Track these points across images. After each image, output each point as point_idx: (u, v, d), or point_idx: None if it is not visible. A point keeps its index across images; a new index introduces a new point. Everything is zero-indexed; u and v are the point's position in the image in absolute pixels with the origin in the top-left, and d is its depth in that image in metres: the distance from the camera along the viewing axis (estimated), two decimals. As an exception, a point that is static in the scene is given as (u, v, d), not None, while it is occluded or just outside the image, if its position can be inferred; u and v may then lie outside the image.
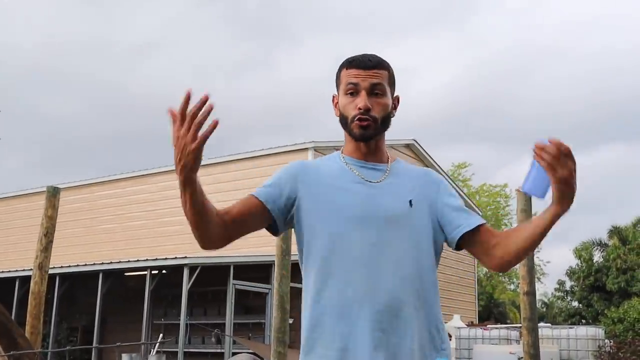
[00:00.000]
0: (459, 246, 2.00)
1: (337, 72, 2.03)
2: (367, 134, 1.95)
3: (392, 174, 2.01)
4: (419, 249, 1.94)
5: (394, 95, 2.04)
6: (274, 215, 1.96)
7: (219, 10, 62.92)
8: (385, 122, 1.98)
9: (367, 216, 1.91)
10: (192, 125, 1.61)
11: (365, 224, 1.91)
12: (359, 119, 1.93)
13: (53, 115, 59.73)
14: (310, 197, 1.95)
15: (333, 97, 2.05)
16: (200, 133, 1.62)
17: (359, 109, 1.93)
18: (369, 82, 1.95)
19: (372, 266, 1.88)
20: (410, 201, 1.97)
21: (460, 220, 1.98)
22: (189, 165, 1.65)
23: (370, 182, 1.97)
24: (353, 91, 1.96)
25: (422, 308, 1.90)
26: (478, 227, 1.97)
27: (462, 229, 1.97)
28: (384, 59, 2.02)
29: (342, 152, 2.06)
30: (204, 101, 1.60)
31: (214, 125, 1.62)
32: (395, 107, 2.05)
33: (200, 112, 1.61)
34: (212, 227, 1.82)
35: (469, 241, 1.99)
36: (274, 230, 2.01)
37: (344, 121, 1.99)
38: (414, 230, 1.95)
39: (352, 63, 1.98)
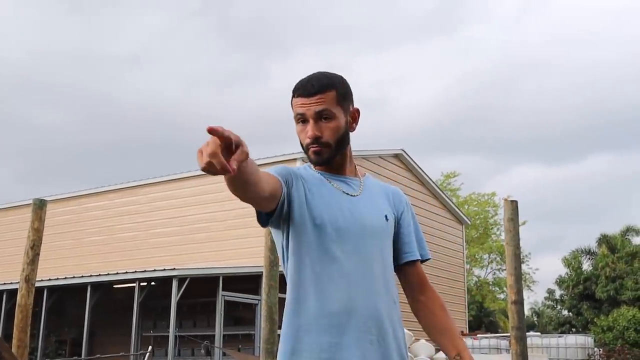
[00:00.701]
0: (396, 269, 2.08)
1: (290, 100, 2.02)
2: (321, 159, 1.98)
3: (366, 189, 2.06)
4: (390, 264, 2.02)
5: (351, 109, 2.03)
6: (280, 202, 1.87)
7: (210, 22, 63.07)
8: (340, 142, 1.98)
9: (351, 229, 1.94)
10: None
11: (350, 236, 1.93)
12: (311, 147, 1.96)
13: (41, 126, 59.55)
14: (303, 202, 1.93)
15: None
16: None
17: (308, 137, 1.94)
18: (314, 110, 1.94)
19: (358, 278, 1.90)
20: (386, 216, 2.03)
21: (411, 247, 2.09)
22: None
23: (349, 194, 2.00)
24: (302, 120, 1.97)
25: (395, 320, 1.97)
26: (416, 263, 2.09)
27: (408, 255, 2.08)
28: (331, 76, 1.99)
29: (313, 165, 2.05)
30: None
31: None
32: (354, 120, 2.04)
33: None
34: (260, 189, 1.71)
35: (403, 271, 2.09)
36: (265, 218, 1.90)
37: (301, 147, 2.01)
38: (387, 245, 2.01)
39: (297, 91, 1.98)
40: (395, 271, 2.08)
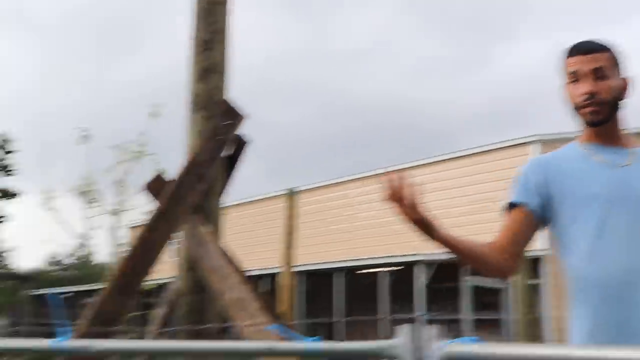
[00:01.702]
0: None
1: (561, 64, 2.02)
2: (597, 119, 1.93)
3: (639, 159, 1.96)
4: None
5: (624, 77, 1.99)
6: (537, 218, 1.98)
7: (427, 11, 62.87)
8: (615, 103, 1.95)
9: (621, 198, 1.89)
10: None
11: (620, 206, 1.88)
12: (585, 106, 1.92)
13: (284, 123, 63.72)
14: (561, 187, 1.95)
15: (561, 89, 2.04)
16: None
17: (584, 94, 1.91)
18: (589, 67, 1.93)
19: (634, 248, 1.85)
20: None
21: None
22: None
23: (616, 166, 1.94)
24: (575, 79, 1.95)
25: None
26: None
27: None
28: (606, 41, 1.99)
29: (579, 141, 2.04)
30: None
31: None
32: (625, 89, 1.99)
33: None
34: (489, 260, 1.97)
35: None
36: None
37: (573, 110, 1.99)
38: None
39: (571, 52, 1.98)
40: None
